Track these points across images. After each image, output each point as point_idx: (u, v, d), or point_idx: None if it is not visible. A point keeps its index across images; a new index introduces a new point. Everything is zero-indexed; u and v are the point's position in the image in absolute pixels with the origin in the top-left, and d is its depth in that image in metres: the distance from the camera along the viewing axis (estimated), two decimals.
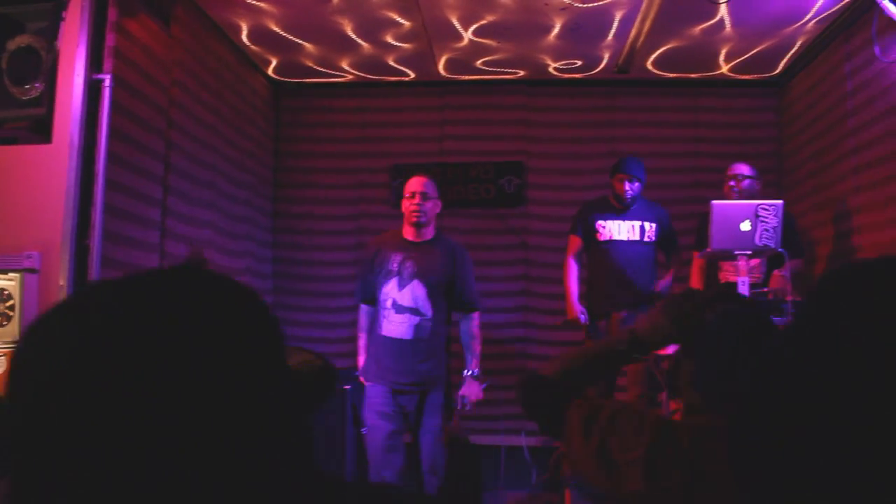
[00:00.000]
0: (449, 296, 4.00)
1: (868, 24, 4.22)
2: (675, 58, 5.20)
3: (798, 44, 4.98)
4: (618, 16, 4.54)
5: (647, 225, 4.67)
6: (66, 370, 0.62)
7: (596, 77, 5.60)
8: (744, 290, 3.97)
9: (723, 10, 4.44)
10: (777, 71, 5.48)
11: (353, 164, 5.86)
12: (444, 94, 5.84)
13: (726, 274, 4.68)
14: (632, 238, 4.66)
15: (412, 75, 5.65)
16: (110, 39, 3.65)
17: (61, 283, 3.41)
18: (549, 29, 4.74)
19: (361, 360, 4.07)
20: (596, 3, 4.35)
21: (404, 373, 3.90)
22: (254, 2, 4.35)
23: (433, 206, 3.99)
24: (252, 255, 5.35)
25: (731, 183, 4.59)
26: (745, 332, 1.65)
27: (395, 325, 3.91)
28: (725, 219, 3.97)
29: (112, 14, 3.66)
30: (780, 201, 3.98)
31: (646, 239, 4.67)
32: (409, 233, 4.02)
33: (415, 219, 3.94)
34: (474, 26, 4.71)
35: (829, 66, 4.86)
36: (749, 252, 3.99)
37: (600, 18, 4.57)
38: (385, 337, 3.93)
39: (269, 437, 0.68)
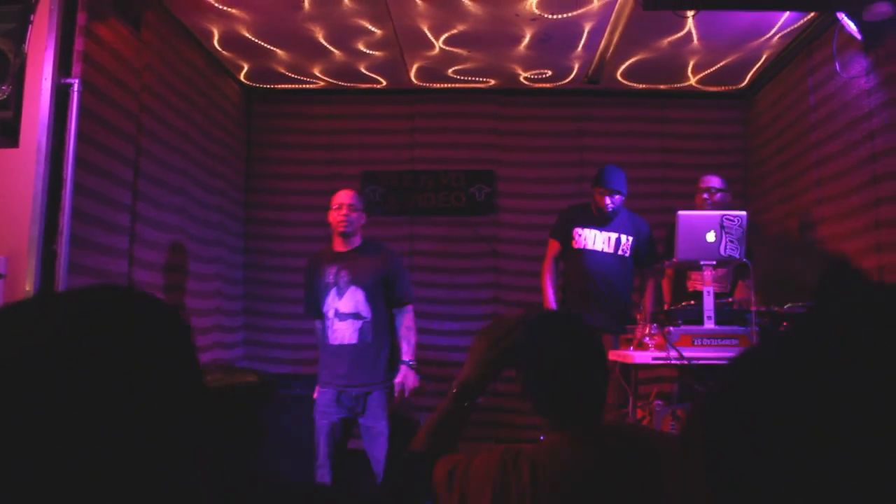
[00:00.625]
0: (386, 296, 4.19)
1: (829, 40, 4.33)
2: (644, 69, 5.28)
3: (763, 57, 5.09)
4: (587, 27, 4.61)
5: (623, 237, 4.65)
6: None
7: (566, 87, 5.66)
8: (709, 299, 4.04)
9: (690, 24, 4.52)
10: (744, 83, 5.58)
11: (324, 171, 5.86)
12: (416, 101, 5.87)
13: (694, 283, 4.75)
14: (606, 250, 4.65)
15: (384, 83, 5.67)
16: (79, 43, 3.62)
17: (28, 288, 3.38)
18: (519, 39, 4.79)
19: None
20: (566, 15, 4.42)
21: (351, 376, 4.11)
22: (225, 8, 4.35)
23: (358, 217, 4.21)
24: (223, 261, 5.32)
25: (705, 196, 4.65)
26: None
27: (340, 332, 4.13)
28: (691, 229, 4.02)
29: (81, 18, 3.64)
30: (743, 212, 4.05)
31: (620, 252, 4.65)
32: (338, 245, 4.23)
33: (342, 228, 4.15)
34: (445, 35, 4.75)
35: (794, 80, 4.97)
36: (714, 262, 4.06)
37: (570, 30, 4.63)
38: (332, 345, 4.15)
39: (169, 460, 0.68)
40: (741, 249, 4.03)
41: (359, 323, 4.12)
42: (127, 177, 4.01)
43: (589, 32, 4.68)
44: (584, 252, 4.65)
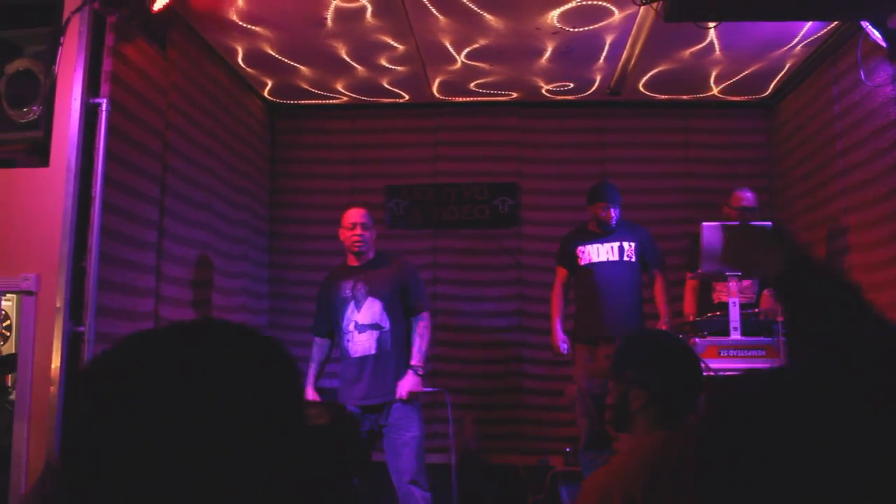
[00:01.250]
0: (403, 305, 4.26)
1: (854, 49, 4.30)
2: (667, 80, 5.27)
3: (787, 67, 5.06)
4: (609, 39, 4.61)
5: (625, 244, 4.70)
6: (99, 417, 0.70)
7: (588, 99, 5.66)
8: (735, 310, 4.02)
9: (712, 34, 4.51)
10: (767, 93, 5.55)
11: (347, 185, 5.91)
12: (438, 115, 5.90)
13: (719, 294, 4.72)
14: (611, 259, 4.69)
15: (406, 97, 5.71)
16: (107, 64, 3.69)
17: (58, 304, 3.43)
18: (541, 52, 4.81)
19: (311, 391, 4.27)
20: (587, 28, 4.43)
21: (374, 387, 4.15)
22: (249, 26, 4.41)
23: (371, 234, 4.33)
24: (248, 275, 5.37)
25: (748, 215, 4.60)
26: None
27: (360, 344, 4.19)
28: (715, 240, 4.02)
29: (109, 39, 3.71)
30: (769, 223, 4.03)
31: (625, 258, 4.69)
32: (352, 261, 4.34)
33: (356, 248, 4.27)
34: (467, 50, 4.78)
35: (818, 89, 4.94)
36: (739, 273, 4.03)
37: (592, 42, 4.64)
38: (353, 358, 4.21)
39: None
40: None
41: (377, 333, 4.18)
42: (154, 194, 4.07)
43: (610, 44, 4.68)
44: (592, 267, 4.70)
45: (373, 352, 4.17)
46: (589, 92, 5.54)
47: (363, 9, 4.20)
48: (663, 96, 5.62)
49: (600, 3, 4.11)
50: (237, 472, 0.69)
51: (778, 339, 3.92)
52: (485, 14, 4.26)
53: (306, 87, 5.47)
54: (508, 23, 4.37)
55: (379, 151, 5.96)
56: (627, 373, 2.03)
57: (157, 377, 0.71)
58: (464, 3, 4.12)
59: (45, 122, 3.58)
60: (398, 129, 5.93)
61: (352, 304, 4.22)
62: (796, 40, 4.61)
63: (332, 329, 4.37)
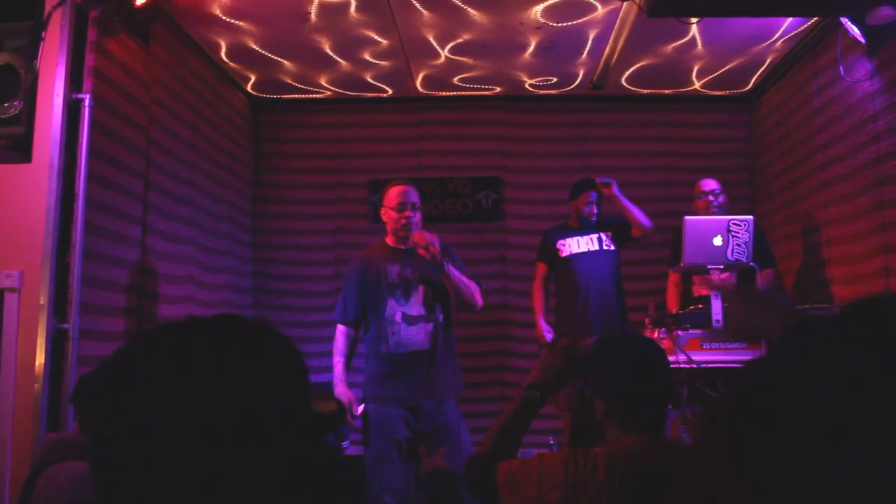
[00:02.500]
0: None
1: (833, 44, 4.35)
2: (649, 74, 5.31)
3: (767, 62, 5.11)
4: (592, 34, 4.64)
5: (602, 235, 4.75)
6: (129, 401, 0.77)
7: (571, 93, 5.69)
8: (717, 303, 4.06)
9: (694, 30, 4.55)
10: (748, 87, 5.60)
11: (331, 180, 5.90)
12: (422, 109, 5.90)
13: (698, 288, 4.78)
14: (591, 248, 4.75)
15: (390, 91, 5.71)
16: (90, 59, 3.67)
17: (42, 301, 3.41)
18: (524, 47, 4.82)
19: (340, 388, 3.80)
20: (570, 23, 4.45)
21: (427, 386, 3.72)
22: (232, 20, 4.39)
23: (420, 216, 3.87)
24: (232, 270, 5.36)
25: (710, 199, 4.67)
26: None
27: (410, 338, 3.73)
28: (698, 234, 4.06)
29: (92, 34, 3.68)
30: (750, 217, 4.08)
31: (604, 247, 4.74)
32: (395, 242, 3.88)
33: (405, 232, 3.79)
34: (451, 44, 4.78)
35: (798, 84, 4.99)
36: (721, 266, 4.08)
37: (575, 37, 4.66)
38: (396, 353, 3.73)
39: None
40: (748, 253, 4.06)
41: (430, 325, 3.76)
42: (138, 189, 4.05)
43: (594, 39, 4.71)
44: (573, 258, 4.74)
45: (426, 346, 3.72)
46: (572, 86, 5.57)
47: (347, 4, 4.20)
48: (645, 90, 5.66)
49: None
50: (249, 457, 0.76)
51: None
52: (469, 9, 4.27)
53: (289, 81, 5.45)
54: (492, 17, 4.38)
55: (362, 146, 5.95)
56: (590, 379, 1.97)
57: (186, 370, 0.77)
58: None
59: (27, 117, 3.52)
60: (381, 123, 5.93)
61: (399, 292, 3.75)
62: (777, 35, 4.65)
63: (363, 317, 3.86)
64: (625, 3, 4.13)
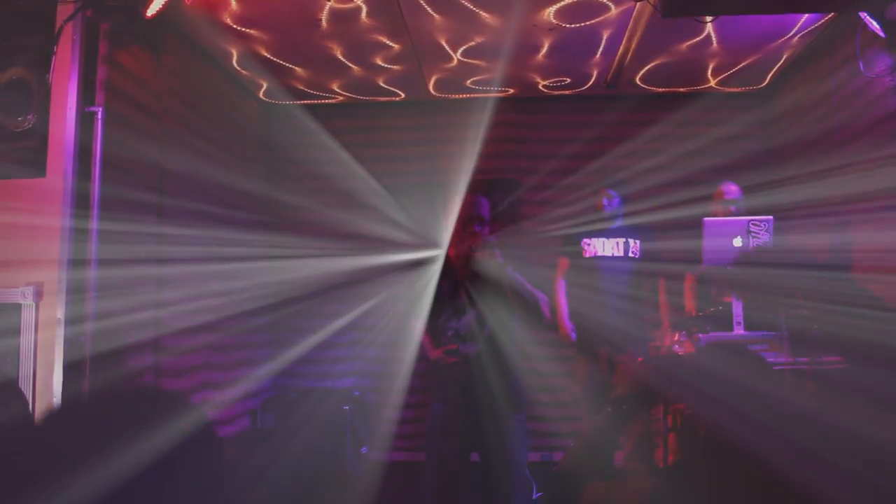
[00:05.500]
0: None
1: (851, 39, 4.27)
2: (663, 73, 5.25)
3: (784, 57, 5.04)
4: (605, 34, 4.58)
5: (630, 241, 4.75)
6: None
7: (585, 93, 5.64)
8: (738, 305, 4.01)
9: (709, 28, 4.48)
10: (764, 84, 5.53)
11: (344, 185, 5.88)
12: (435, 112, 5.87)
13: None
14: (616, 254, 4.73)
15: (402, 95, 5.68)
16: (102, 72, 3.67)
17: (58, 315, 3.41)
18: (537, 49, 4.78)
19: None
20: (584, 24, 4.40)
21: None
22: (244, 29, 4.37)
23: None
24: (248, 276, 5.35)
25: (732, 209, 4.59)
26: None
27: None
28: (717, 235, 4.00)
29: (103, 47, 3.68)
30: (770, 217, 4.02)
31: (630, 254, 4.73)
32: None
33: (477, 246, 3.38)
34: (463, 48, 4.74)
35: (816, 80, 4.91)
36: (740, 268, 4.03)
37: (588, 37, 4.61)
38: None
39: None
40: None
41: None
42: (152, 200, 4.04)
43: (607, 40, 4.65)
44: (596, 260, 4.72)
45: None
46: (586, 87, 5.52)
47: (358, 9, 4.16)
48: (660, 89, 5.60)
49: None
50: None
51: (782, 333, 3.90)
52: (481, 12, 4.22)
53: (302, 87, 5.43)
54: (505, 20, 4.33)
55: (376, 150, 5.92)
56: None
57: None
58: (460, 1, 4.09)
59: (41, 131, 3.55)
60: (395, 127, 5.90)
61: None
62: (793, 31, 4.58)
63: None
64: (638, 3, 4.07)
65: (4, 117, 3.61)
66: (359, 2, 4.09)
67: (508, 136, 5.88)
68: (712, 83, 5.46)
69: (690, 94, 5.68)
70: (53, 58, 3.57)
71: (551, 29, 4.46)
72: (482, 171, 5.85)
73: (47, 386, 3.36)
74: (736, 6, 3.88)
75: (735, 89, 5.59)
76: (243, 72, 5.10)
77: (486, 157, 5.85)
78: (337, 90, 5.50)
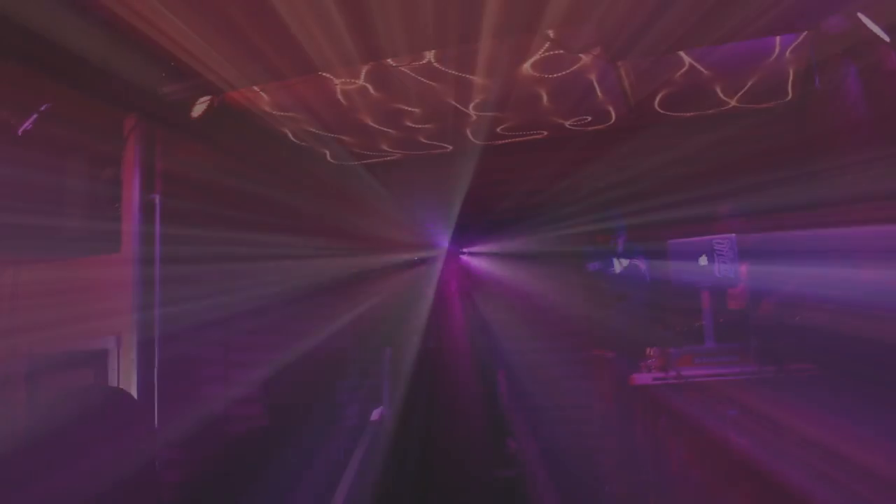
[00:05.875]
0: None
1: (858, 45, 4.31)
2: (677, 100, 5.48)
3: (791, 71, 5.11)
4: (593, 77, 4.98)
5: (640, 263, 5.07)
6: None
7: (612, 126, 5.97)
8: (708, 319, 4.26)
9: (686, 58, 4.75)
10: (788, 97, 5.58)
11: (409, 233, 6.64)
12: (480, 156, 6.41)
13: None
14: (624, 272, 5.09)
15: (450, 148, 6.30)
16: (159, 166, 4.69)
17: (132, 357, 4.44)
18: (539, 96, 5.25)
19: None
20: (564, 72, 4.82)
21: None
22: (282, 113, 5.25)
23: None
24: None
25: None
26: None
27: None
28: (682, 256, 4.29)
29: (159, 146, 4.71)
30: (732, 234, 4.23)
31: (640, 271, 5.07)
32: None
33: None
34: (472, 104, 5.31)
35: (835, 86, 4.92)
36: (709, 286, 4.27)
37: (579, 81, 4.99)
38: None
39: None
40: (735, 270, 4.23)
41: None
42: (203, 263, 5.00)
43: (598, 81, 5.04)
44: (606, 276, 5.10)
45: None
46: (610, 122, 5.86)
47: (364, 87, 4.91)
48: (688, 114, 5.80)
49: (561, 52, 4.53)
50: None
51: (749, 343, 4.10)
52: (468, 76, 4.81)
53: (357, 150, 6.24)
54: (492, 78, 4.87)
55: (438, 197, 6.60)
56: None
57: None
58: (445, 72, 4.70)
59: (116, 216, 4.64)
60: (446, 175, 6.53)
61: None
62: (779, 49, 4.72)
63: None
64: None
65: (108, 205, 4.74)
66: (361, 81, 4.84)
67: (549, 174, 6.33)
68: (733, 102, 5.59)
69: (717, 116, 5.81)
70: (122, 159, 4.66)
71: (539, 80, 4.92)
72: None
73: None
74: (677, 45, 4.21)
75: (760, 105, 5.67)
76: (303, 144, 6.00)
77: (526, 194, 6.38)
78: (388, 149, 6.26)
